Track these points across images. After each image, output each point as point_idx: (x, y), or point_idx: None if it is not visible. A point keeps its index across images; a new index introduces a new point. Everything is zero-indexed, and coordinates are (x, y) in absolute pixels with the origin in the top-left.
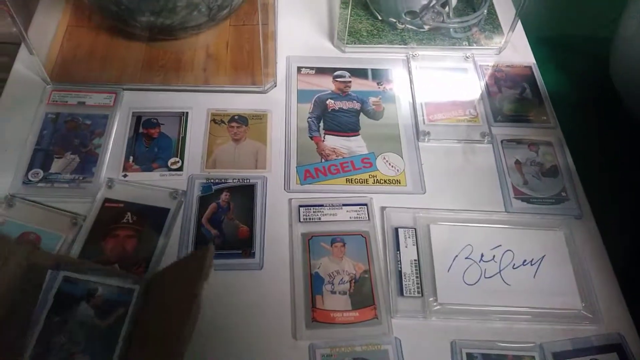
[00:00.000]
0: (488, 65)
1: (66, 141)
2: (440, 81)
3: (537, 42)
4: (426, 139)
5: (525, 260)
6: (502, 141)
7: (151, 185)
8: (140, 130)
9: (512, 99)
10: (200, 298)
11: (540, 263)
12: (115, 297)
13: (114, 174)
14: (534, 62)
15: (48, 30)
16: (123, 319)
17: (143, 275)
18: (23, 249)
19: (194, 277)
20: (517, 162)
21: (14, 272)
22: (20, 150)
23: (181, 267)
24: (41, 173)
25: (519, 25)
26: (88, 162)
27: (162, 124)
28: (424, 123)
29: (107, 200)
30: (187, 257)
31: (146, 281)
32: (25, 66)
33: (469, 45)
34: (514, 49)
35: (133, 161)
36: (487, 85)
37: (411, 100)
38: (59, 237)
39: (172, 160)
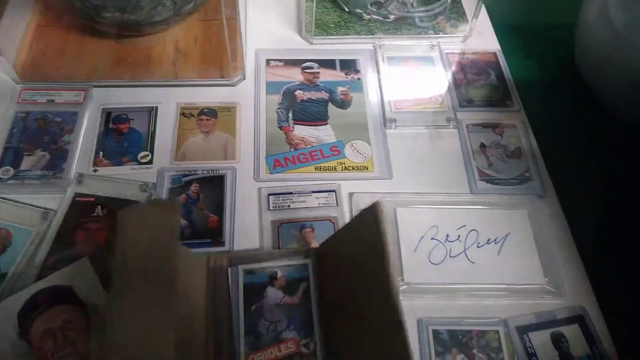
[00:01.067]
0: (454, 53)
1: (36, 139)
2: (407, 70)
3: (502, 30)
4: (393, 126)
5: (489, 239)
6: (467, 125)
7: (121, 179)
8: (110, 125)
9: (477, 85)
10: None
11: (504, 241)
12: (295, 274)
13: (84, 169)
14: (499, 48)
15: (16, 31)
16: (309, 291)
17: (310, 248)
18: (202, 258)
19: (367, 235)
20: (482, 145)
21: (200, 280)
22: None
23: (347, 230)
24: (12, 170)
25: (484, 12)
26: (58, 159)
27: (131, 119)
28: (390, 110)
29: (77, 194)
30: (353, 221)
31: (315, 253)
32: None
33: (435, 34)
34: (479, 36)
35: (103, 156)
36: (453, 73)
37: (378, 89)
38: (29, 232)
39: (142, 154)
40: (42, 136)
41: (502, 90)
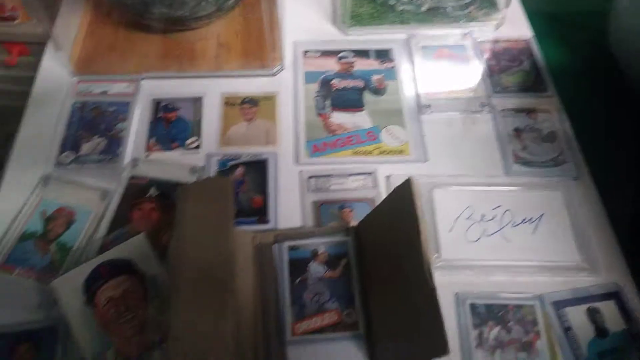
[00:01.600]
0: (486, 41)
1: (93, 126)
2: (440, 57)
3: (534, 16)
4: (427, 112)
5: (524, 219)
6: (501, 110)
7: (172, 163)
8: (160, 114)
9: (510, 72)
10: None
11: (539, 221)
12: (336, 250)
13: (137, 154)
14: (532, 35)
15: (71, 28)
16: (349, 266)
17: (349, 227)
18: (248, 235)
19: (401, 209)
20: (516, 129)
21: (247, 255)
22: (52, 136)
23: (383, 207)
24: (72, 155)
25: (516, 0)
26: (113, 144)
27: (179, 108)
28: (425, 97)
29: (132, 177)
30: (388, 197)
31: (354, 230)
32: (53, 62)
33: (467, 22)
34: (512, 24)
35: (154, 142)
36: (486, 60)
37: (412, 77)
38: (90, 211)
39: (190, 140)
40: (98, 124)
41: (536, 77)
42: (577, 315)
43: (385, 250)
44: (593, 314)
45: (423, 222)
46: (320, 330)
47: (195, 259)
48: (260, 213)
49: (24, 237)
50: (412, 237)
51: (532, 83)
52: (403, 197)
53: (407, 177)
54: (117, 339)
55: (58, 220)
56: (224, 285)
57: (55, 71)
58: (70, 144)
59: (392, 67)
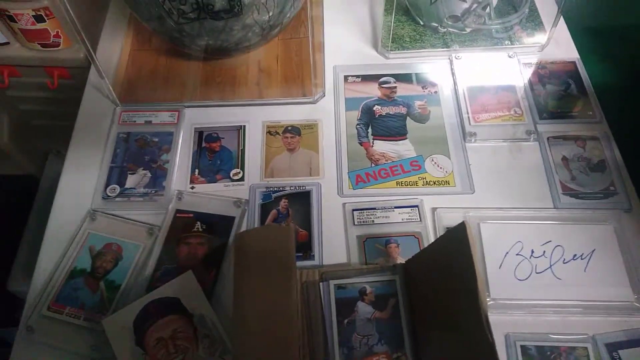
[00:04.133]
0: (531, 63)
1: (137, 158)
2: (484, 81)
3: (580, 34)
4: (473, 140)
5: (575, 255)
6: (548, 138)
7: (217, 196)
8: (203, 144)
9: (556, 96)
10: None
11: (590, 257)
12: (383, 290)
13: (182, 187)
14: (578, 57)
15: (113, 55)
16: (398, 306)
17: (396, 264)
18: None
19: (455, 254)
20: (564, 158)
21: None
22: (98, 168)
23: (434, 248)
24: (118, 188)
25: (561, 20)
26: (158, 177)
27: (222, 138)
28: (469, 124)
29: (178, 211)
30: (440, 239)
31: (402, 269)
32: (95, 89)
33: (511, 43)
34: (557, 44)
35: (198, 174)
36: (530, 83)
37: (456, 102)
38: (138, 246)
39: (234, 171)
40: (143, 155)
41: (583, 101)
42: (632, 358)
43: (436, 293)
44: None
45: (479, 269)
46: None
47: (256, 314)
48: (305, 248)
49: (74, 275)
50: (467, 284)
51: (579, 108)
52: (457, 240)
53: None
54: None
55: (107, 256)
56: (289, 346)
57: (98, 100)
58: (116, 176)
59: (435, 92)
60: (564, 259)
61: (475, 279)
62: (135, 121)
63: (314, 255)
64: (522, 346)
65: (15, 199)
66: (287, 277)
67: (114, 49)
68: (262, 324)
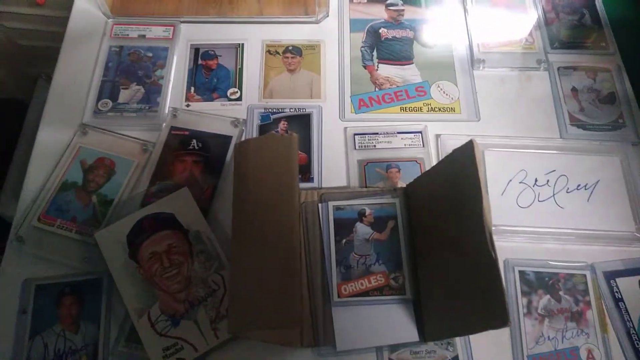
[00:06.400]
0: None
1: (130, 73)
2: (496, 8)
3: None
4: (481, 67)
5: (579, 185)
6: (558, 68)
7: (213, 114)
8: (199, 61)
9: (570, 25)
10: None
11: (594, 187)
12: (383, 212)
13: (177, 104)
14: None
15: None
16: (397, 228)
17: (397, 188)
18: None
19: (460, 175)
20: (573, 89)
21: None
22: (89, 82)
23: (438, 169)
24: (110, 103)
25: None
26: (152, 93)
27: (219, 56)
28: (479, 51)
29: (173, 128)
30: (445, 160)
31: (403, 193)
32: (86, 2)
33: None
34: None
35: (194, 91)
36: (544, 12)
37: (466, 28)
38: (131, 162)
39: (231, 90)
40: (136, 70)
41: (597, 32)
42: (629, 287)
43: (438, 214)
44: None
45: (485, 189)
46: (367, 292)
47: (258, 218)
48: (304, 170)
49: (65, 187)
50: (471, 204)
51: (592, 39)
52: (463, 160)
53: (460, 137)
54: (162, 294)
55: (99, 170)
56: (292, 250)
57: (89, 11)
58: (108, 91)
59: (445, 17)
60: (568, 189)
61: (480, 197)
62: (128, 35)
63: (313, 178)
64: (520, 271)
65: (2, 124)
66: (289, 185)
67: None
68: (262, 231)
